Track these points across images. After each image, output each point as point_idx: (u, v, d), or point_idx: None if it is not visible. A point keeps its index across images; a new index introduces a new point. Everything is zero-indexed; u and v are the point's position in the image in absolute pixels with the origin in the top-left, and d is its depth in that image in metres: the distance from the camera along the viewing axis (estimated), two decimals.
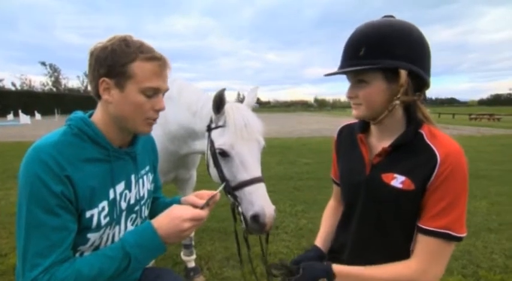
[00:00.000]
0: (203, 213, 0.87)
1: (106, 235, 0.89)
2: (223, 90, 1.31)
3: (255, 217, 1.20)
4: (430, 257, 0.84)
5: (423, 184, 0.84)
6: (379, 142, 0.98)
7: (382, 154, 0.93)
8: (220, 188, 1.00)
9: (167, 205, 1.13)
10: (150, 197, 1.09)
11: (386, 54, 0.83)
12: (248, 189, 1.24)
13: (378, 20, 0.89)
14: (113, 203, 0.89)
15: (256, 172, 1.28)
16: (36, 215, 0.74)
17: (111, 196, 0.89)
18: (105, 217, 0.87)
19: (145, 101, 0.86)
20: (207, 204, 0.91)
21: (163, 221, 0.82)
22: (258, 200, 1.22)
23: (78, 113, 0.91)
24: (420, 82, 0.87)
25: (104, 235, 0.88)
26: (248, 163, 1.28)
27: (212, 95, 1.35)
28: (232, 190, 1.27)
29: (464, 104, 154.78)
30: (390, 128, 0.94)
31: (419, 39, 0.86)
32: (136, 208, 1.00)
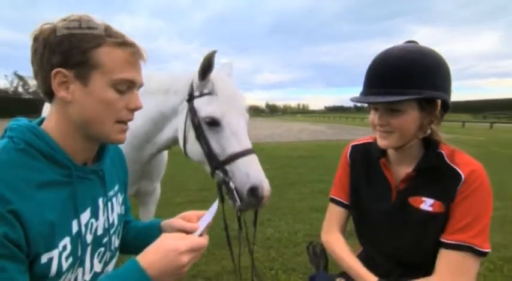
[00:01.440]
0: (203, 241, 0.68)
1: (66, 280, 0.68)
2: (213, 52, 1.16)
3: (253, 190, 1.11)
4: (452, 272, 0.81)
5: (450, 203, 0.84)
6: (400, 166, 0.97)
7: (406, 179, 0.92)
8: (215, 206, 0.80)
9: (142, 231, 0.94)
10: (120, 224, 0.88)
11: (428, 84, 0.82)
12: (242, 161, 1.14)
13: (410, 46, 0.86)
14: (76, 239, 0.68)
15: (249, 143, 1.20)
16: None
17: (75, 229, 0.68)
18: (67, 258, 0.65)
19: (117, 98, 0.68)
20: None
21: (154, 258, 0.62)
22: (254, 172, 1.13)
23: (22, 121, 0.68)
24: (442, 111, 0.89)
25: None
26: (240, 133, 1.19)
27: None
28: (221, 164, 1.16)
29: None
30: (410, 153, 0.94)
31: (448, 69, 0.86)
32: (105, 239, 0.79)
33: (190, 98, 1.25)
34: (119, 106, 0.68)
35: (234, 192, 1.13)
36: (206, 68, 1.20)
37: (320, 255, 1.13)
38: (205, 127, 1.20)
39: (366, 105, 0.99)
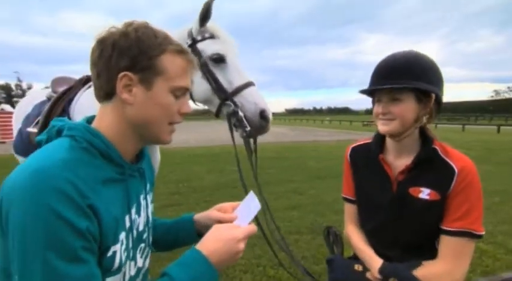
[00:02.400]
0: (255, 228, 0.76)
1: (121, 274, 0.70)
2: (212, 0, 1.29)
3: (262, 113, 1.30)
4: (456, 256, 0.95)
5: (444, 193, 0.97)
6: (398, 160, 1.09)
7: (405, 171, 1.04)
8: (252, 196, 0.87)
9: (173, 226, 0.98)
10: (153, 221, 0.91)
11: (423, 78, 0.96)
12: (247, 91, 1.31)
13: (410, 51, 1.03)
14: (129, 233, 0.71)
15: (249, 77, 1.36)
16: (57, 267, 0.52)
17: (128, 224, 0.71)
18: (124, 251, 0.68)
19: (173, 102, 0.71)
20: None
21: (215, 246, 0.68)
22: (260, 99, 1.32)
23: (76, 121, 0.70)
24: (435, 108, 1.02)
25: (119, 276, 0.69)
26: (240, 69, 1.36)
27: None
28: (231, 95, 1.31)
29: (356, 113, 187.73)
30: (408, 147, 1.06)
31: (441, 73, 1.02)
32: (145, 235, 0.82)
33: (193, 42, 1.36)
34: (174, 110, 0.72)
35: (244, 119, 1.28)
36: (205, 14, 1.32)
37: (335, 240, 1.23)
38: (211, 65, 1.34)
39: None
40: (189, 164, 7.70)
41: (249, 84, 1.33)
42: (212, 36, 1.36)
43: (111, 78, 0.66)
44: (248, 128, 1.29)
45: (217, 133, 20.19)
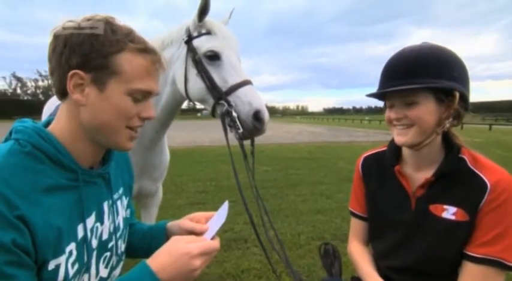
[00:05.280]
0: (215, 244, 0.67)
1: None
2: None
3: (256, 114, 1.21)
4: None
5: (474, 212, 0.80)
6: (417, 172, 0.92)
7: (426, 184, 0.88)
8: (224, 207, 0.78)
9: (148, 233, 0.92)
10: (126, 228, 0.86)
11: (444, 75, 0.80)
12: (242, 90, 1.24)
13: (425, 43, 0.86)
14: (82, 244, 0.66)
15: (246, 75, 1.29)
16: None
17: (80, 234, 0.66)
18: (73, 264, 0.63)
19: (131, 106, 0.65)
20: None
21: (166, 261, 0.61)
22: (255, 99, 1.23)
23: (28, 122, 0.66)
24: (461, 109, 0.84)
25: None
26: (237, 66, 1.30)
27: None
28: (225, 95, 1.24)
29: None
30: (429, 157, 0.89)
31: (466, 67, 0.84)
32: (111, 243, 0.77)
33: (189, 39, 1.32)
34: (132, 114, 0.66)
35: (237, 120, 1.20)
36: (204, 9, 1.28)
37: (333, 257, 1.10)
38: (206, 62, 1.28)
39: (379, 104, 0.97)
40: (217, 163, 7.78)
41: (245, 82, 1.25)
42: (209, 32, 1.32)
43: (62, 76, 0.62)
44: (240, 130, 1.21)
45: None
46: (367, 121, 43.52)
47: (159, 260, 0.62)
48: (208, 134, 18.62)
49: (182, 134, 17.04)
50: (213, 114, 1.33)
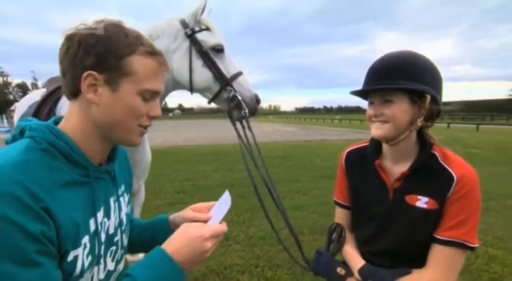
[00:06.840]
0: (224, 227, 0.74)
1: (88, 279, 0.68)
2: None
3: (256, 97, 1.52)
4: (445, 266, 0.89)
5: (442, 201, 0.91)
6: (395, 165, 1.03)
7: (402, 177, 0.99)
8: (226, 195, 0.84)
9: (149, 227, 0.96)
10: (128, 223, 0.89)
11: (417, 79, 0.90)
12: (241, 79, 1.50)
13: (405, 50, 0.98)
14: (93, 237, 0.69)
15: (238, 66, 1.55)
16: (8, 271, 0.51)
17: (92, 227, 0.69)
18: (87, 256, 0.66)
19: (141, 105, 0.69)
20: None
21: (179, 245, 0.66)
22: (251, 86, 1.52)
23: (36, 121, 0.68)
24: (434, 110, 0.96)
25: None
26: (232, 59, 1.54)
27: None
28: (230, 80, 1.47)
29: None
30: (405, 152, 1.00)
31: (439, 74, 0.96)
32: (116, 237, 0.80)
33: (193, 33, 1.47)
34: (143, 113, 0.70)
35: (242, 102, 1.46)
36: (203, 9, 1.48)
37: (336, 237, 1.16)
38: (213, 54, 1.47)
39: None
40: (194, 162, 7.72)
41: (241, 73, 1.51)
42: (207, 28, 1.49)
43: (76, 76, 0.64)
44: (247, 110, 1.48)
45: (227, 133, 20.27)
46: (338, 120, 44.92)
47: (173, 244, 0.67)
48: (181, 134, 18.34)
49: (155, 134, 16.65)
50: (212, 100, 1.54)
